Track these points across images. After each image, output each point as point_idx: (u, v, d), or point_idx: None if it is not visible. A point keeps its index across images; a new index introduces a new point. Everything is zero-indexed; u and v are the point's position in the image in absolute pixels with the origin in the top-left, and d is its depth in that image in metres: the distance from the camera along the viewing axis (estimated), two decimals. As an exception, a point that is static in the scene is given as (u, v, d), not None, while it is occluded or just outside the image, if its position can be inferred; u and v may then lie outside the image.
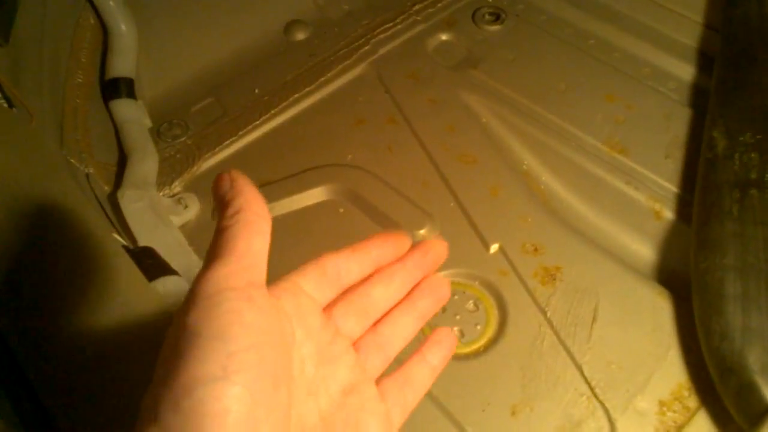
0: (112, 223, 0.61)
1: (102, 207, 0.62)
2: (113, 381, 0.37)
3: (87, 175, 0.65)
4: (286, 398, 0.23)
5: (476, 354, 0.57)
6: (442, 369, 0.34)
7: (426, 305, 0.34)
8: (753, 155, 0.63)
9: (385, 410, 0.30)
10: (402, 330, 0.33)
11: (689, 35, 0.82)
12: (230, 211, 0.25)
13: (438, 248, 0.35)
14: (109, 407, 0.35)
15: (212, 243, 0.25)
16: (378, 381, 0.31)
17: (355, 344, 0.31)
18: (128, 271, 0.43)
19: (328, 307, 0.31)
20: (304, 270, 0.31)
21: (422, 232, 0.66)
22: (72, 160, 0.64)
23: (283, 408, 0.23)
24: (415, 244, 0.35)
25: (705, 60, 0.79)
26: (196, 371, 0.21)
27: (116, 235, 0.58)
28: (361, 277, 0.32)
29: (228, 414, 0.20)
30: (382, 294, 0.33)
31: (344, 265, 0.32)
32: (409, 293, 0.34)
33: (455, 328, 0.59)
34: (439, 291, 0.34)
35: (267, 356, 0.23)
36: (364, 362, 0.31)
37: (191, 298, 0.23)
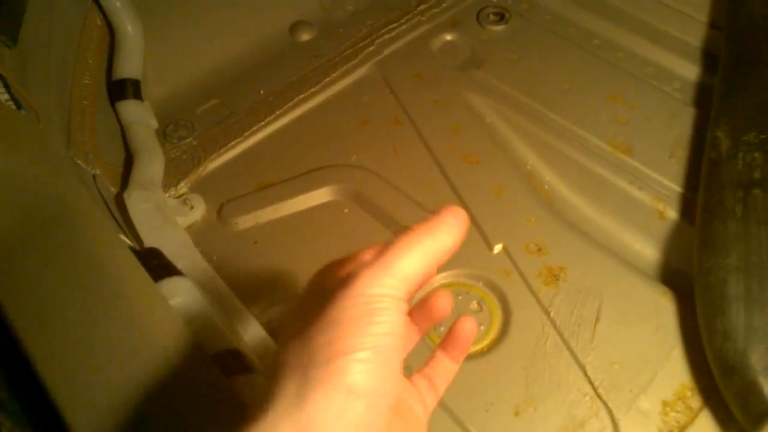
0: (118, 223, 0.62)
1: (108, 208, 0.63)
2: (118, 377, 0.37)
3: (94, 176, 0.66)
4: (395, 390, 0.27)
5: (480, 354, 0.58)
6: (465, 355, 0.37)
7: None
8: (756, 155, 0.63)
9: (420, 395, 0.35)
10: None
11: (693, 35, 0.82)
12: (429, 223, 0.28)
13: (442, 302, 0.33)
14: (113, 402, 0.36)
15: (396, 238, 0.28)
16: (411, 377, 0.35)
17: None
18: (134, 271, 0.43)
19: None
20: None
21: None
22: (79, 161, 0.65)
23: (394, 397, 0.26)
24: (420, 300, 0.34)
25: (709, 59, 0.79)
26: (340, 344, 0.25)
27: (122, 236, 0.59)
28: None
29: (359, 384, 0.24)
30: None
31: None
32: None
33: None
34: (439, 311, 0.34)
35: (396, 350, 0.26)
36: None
37: (348, 289, 0.26)
